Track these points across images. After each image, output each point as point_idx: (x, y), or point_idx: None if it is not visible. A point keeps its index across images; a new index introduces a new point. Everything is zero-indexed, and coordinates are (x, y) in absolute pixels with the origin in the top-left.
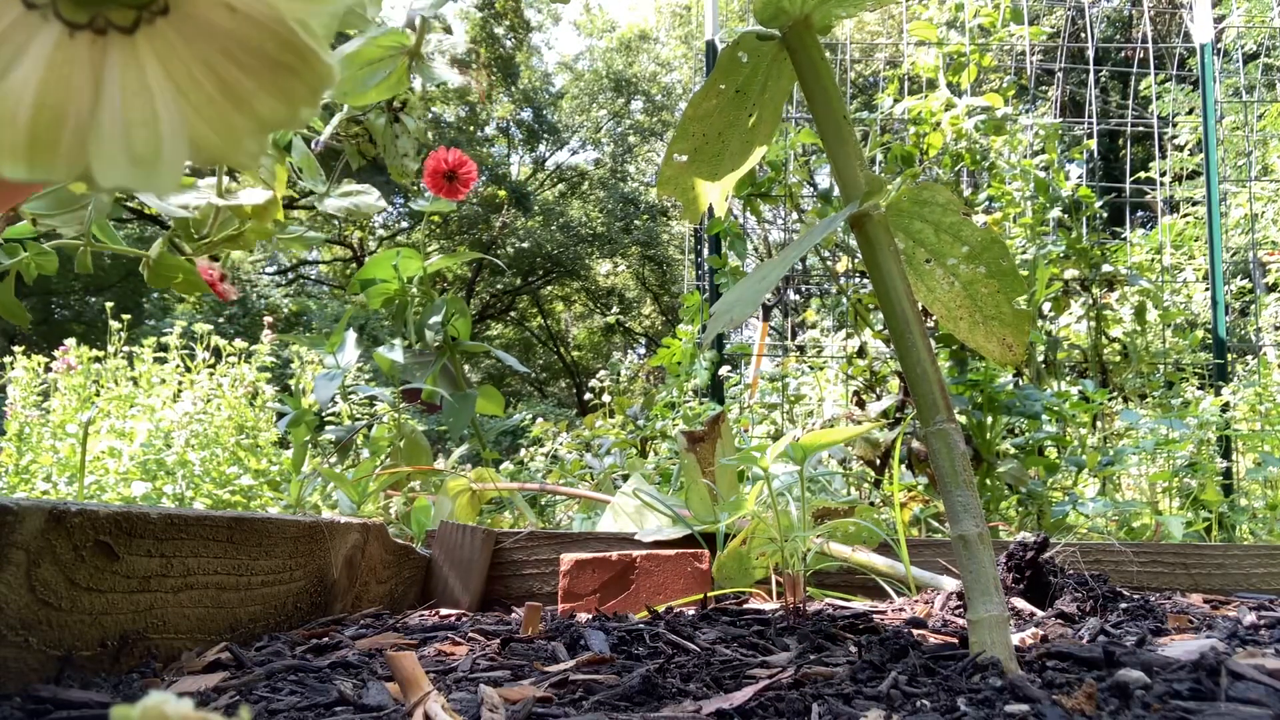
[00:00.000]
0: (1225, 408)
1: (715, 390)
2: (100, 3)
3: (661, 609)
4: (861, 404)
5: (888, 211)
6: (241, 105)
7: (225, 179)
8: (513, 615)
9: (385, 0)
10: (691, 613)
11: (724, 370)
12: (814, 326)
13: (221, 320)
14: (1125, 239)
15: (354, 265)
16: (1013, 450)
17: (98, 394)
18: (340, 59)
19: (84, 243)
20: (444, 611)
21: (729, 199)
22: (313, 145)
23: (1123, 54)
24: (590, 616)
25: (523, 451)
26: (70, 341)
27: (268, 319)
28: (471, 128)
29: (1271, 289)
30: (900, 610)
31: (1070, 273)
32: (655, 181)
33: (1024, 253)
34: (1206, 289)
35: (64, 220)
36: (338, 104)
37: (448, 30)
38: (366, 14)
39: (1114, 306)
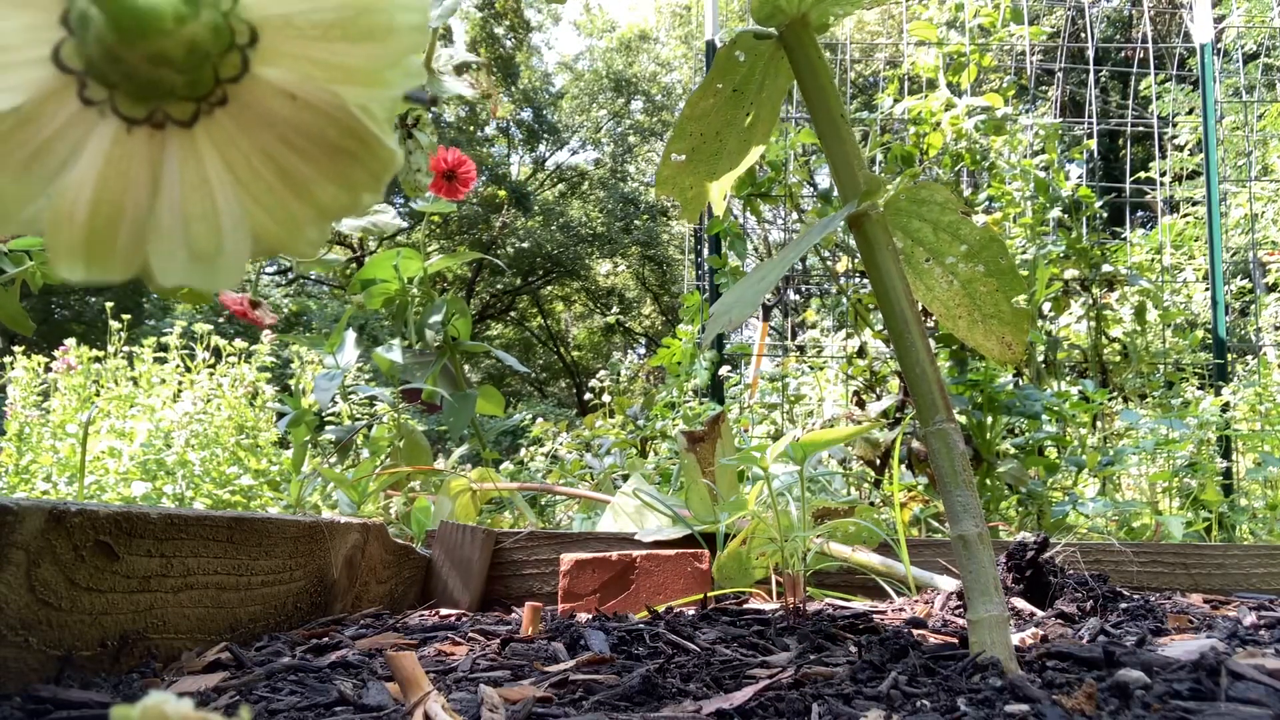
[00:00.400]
0: (1225, 408)
1: (715, 390)
2: (159, 97)
3: (661, 609)
4: (861, 404)
5: (886, 211)
6: (302, 193)
7: None
8: (513, 615)
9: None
10: (691, 613)
11: (724, 370)
12: (814, 326)
13: (221, 320)
14: (1125, 239)
15: (354, 265)
16: (1013, 450)
17: (98, 394)
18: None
19: None
20: (444, 611)
21: (728, 198)
22: None
23: (1123, 54)
24: (590, 616)
25: (523, 451)
26: (70, 341)
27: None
28: (471, 128)
29: (1271, 289)
30: (900, 610)
31: (1070, 273)
32: (654, 181)
33: (1024, 253)
34: (1206, 289)
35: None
36: None
37: (447, 34)
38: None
39: (1114, 306)
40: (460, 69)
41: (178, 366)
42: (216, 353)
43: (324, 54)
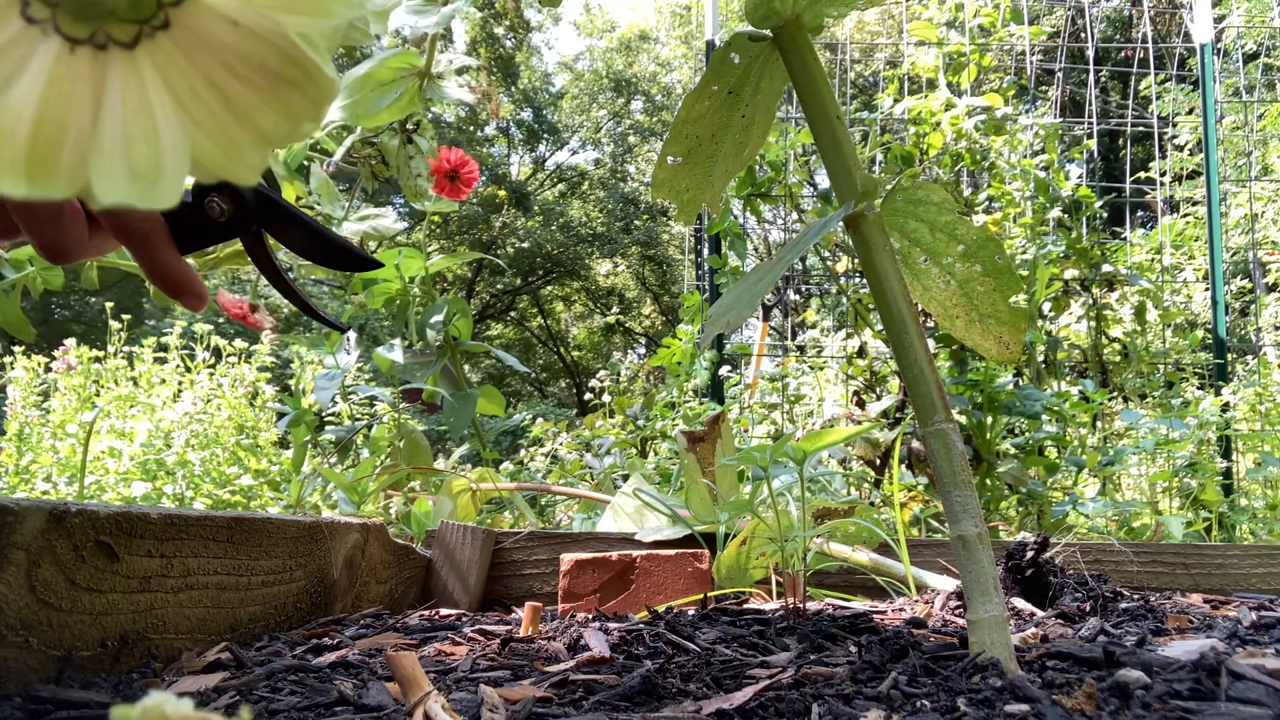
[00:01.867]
0: (1225, 408)
1: (715, 390)
2: (101, 18)
3: (661, 609)
4: (861, 404)
5: (883, 211)
6: (243, 119)
7: None
8: (513, 615)
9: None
10: (691, 613)
11: (724, 370)
12: (814, 326)
13: (221, 320)
14: (1125, 239)
15: None
16: (1013, 450)
17: (98, 394)
18: (352, 81)
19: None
20: (444, 611)
21: (725, 200)
22: (325, 166)
23: (1123, 54)
24: (590, 616)
25: (523, 451)
26: (70, 341)
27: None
28: (471, 128)
29: (1271, 289)
30: (900, 610)
31: (1070, 273)
32: (650, 183)
33: (1024, 253)
34: (1206, 289)
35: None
36: (351, 125)
37: (447, 35)
38: (369, 29)
39: (1114, 306)
40: (460, 71)
41: (178, 366)
42: (216, 353)
43: None
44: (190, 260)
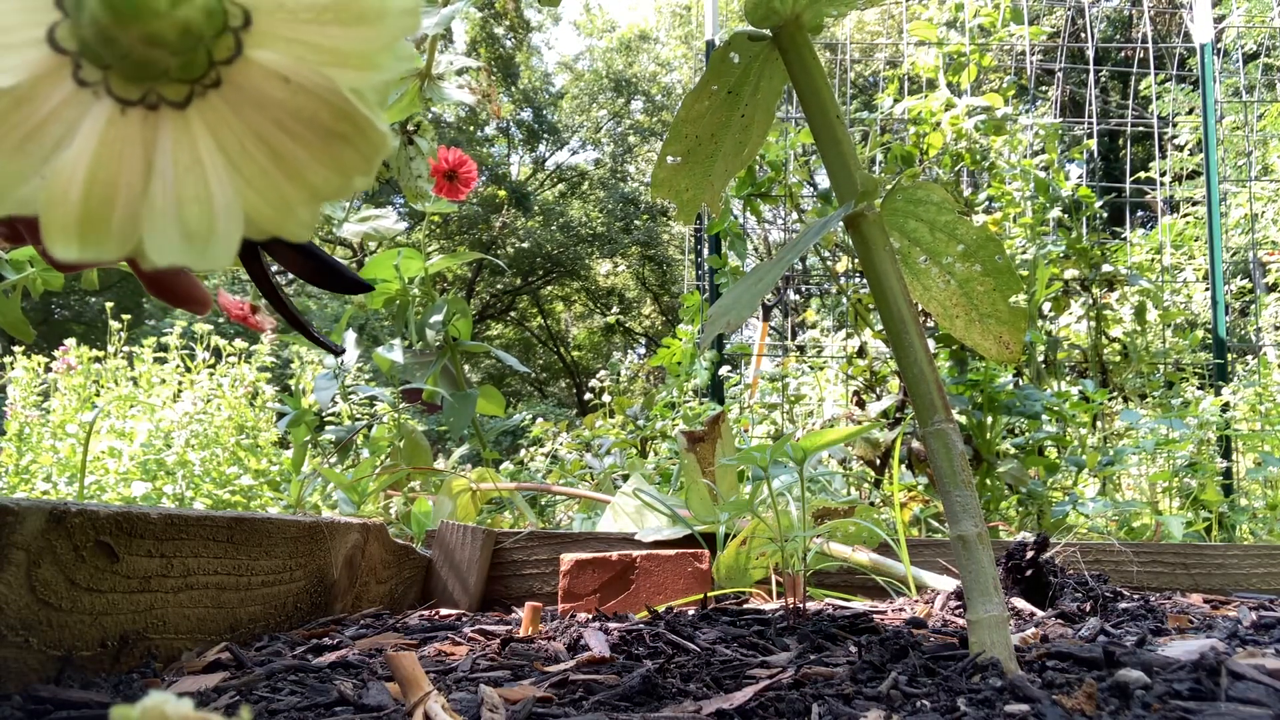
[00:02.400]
0: (1225, 408)
1: (715, 390)
2: (153, 79)
3: (661, 609)
4: (861, 404)
5: (883, 211)
6: (295, 176)
7: None
8: (513, 615)
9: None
10: (691, 613)
11: (724, 370)
12: (814, 326)
13: (221, 320)
14: (1125, 239)
15: (355, 266)
16: (1013, 450)
17: (98, 394)
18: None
19: None
20: (444, 611)
21: (725, 199)
22: None
23: (1123, 54)
24: (590, 616)
25: (523, 451)
26: (70, 341)
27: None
28: (471, 128)
29: (1271, 289)
30: (900, 610)
31: (1070, 273)
32: (650, 183)
33: (1024, 253)
34: (1206, 289)
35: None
36: None
37: (447, 35)
38: None
39: (1114, 306)
40: (460, 72)
41: (178, 366)
42: (216, 353)
43: (317, 37)
44: None
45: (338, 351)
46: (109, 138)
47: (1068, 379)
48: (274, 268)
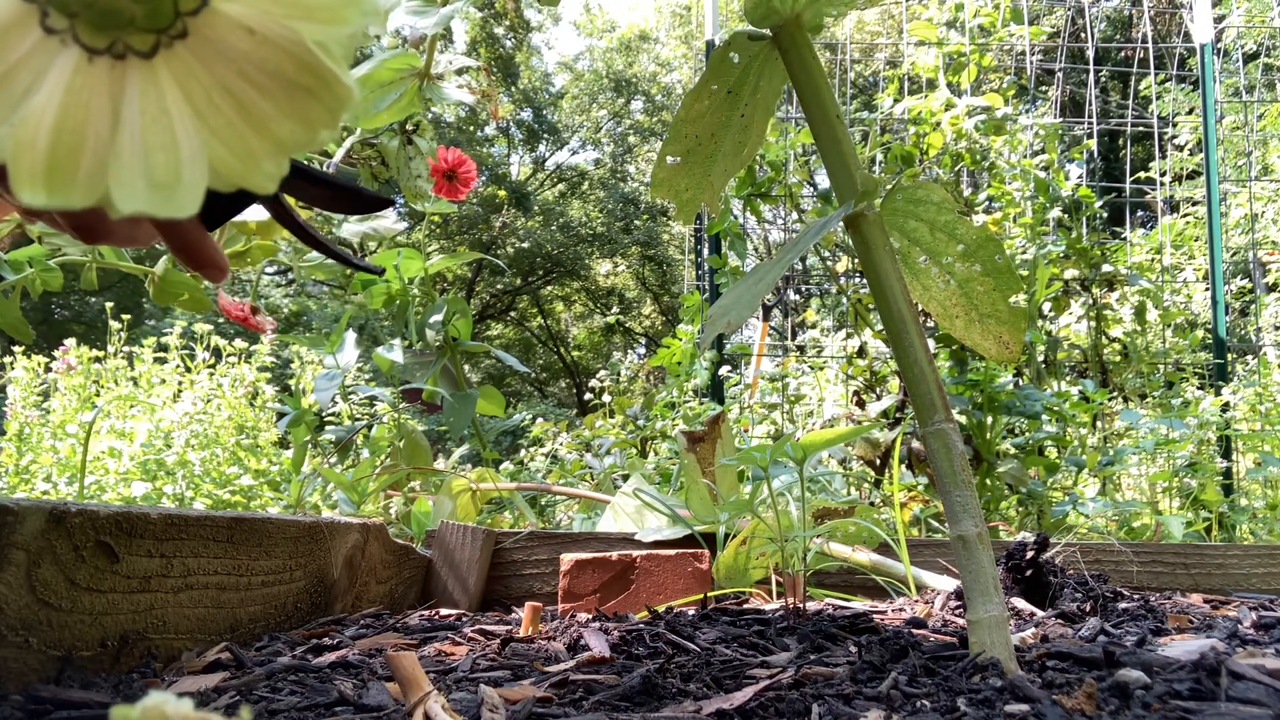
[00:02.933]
0: (1225, 408)
1: (715, 390)
2: (119, 28)
3: (661, 609)
4: (861, 404)
5: (883, 211)
6: (260, 128)
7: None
8: (513, 615)
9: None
10: (691, 613)
11: (724, 370)
12: (814, 326)
13: (221, 320)
14: (1125, 239)
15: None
16: (1013, 450)
17: (98, 394)
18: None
19: (90, 260)
20: (444, 611)
21: (725, 199)
22: (325, 167)
23: (1123, 54)
24: (590, 616)
25: (523, 451)
26: (70, 341)
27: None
28: (471, 128)
29: (1271, 289)
30: (900, 610)
31: (1070, 273)
32: (649, 183)
33: (1024, 253)
34: (1206, 289)
35: (71, 240)
36: (351, 127)
37: (447, 35)
38: (369, 30)
39: (1114, 306)
40: (460, 72)
41: (178, 367)
42: (216, 353)
43: None
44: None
45: (379, 272)
46: (76, 86)
47: (1068, 379)
48: (269, 265)
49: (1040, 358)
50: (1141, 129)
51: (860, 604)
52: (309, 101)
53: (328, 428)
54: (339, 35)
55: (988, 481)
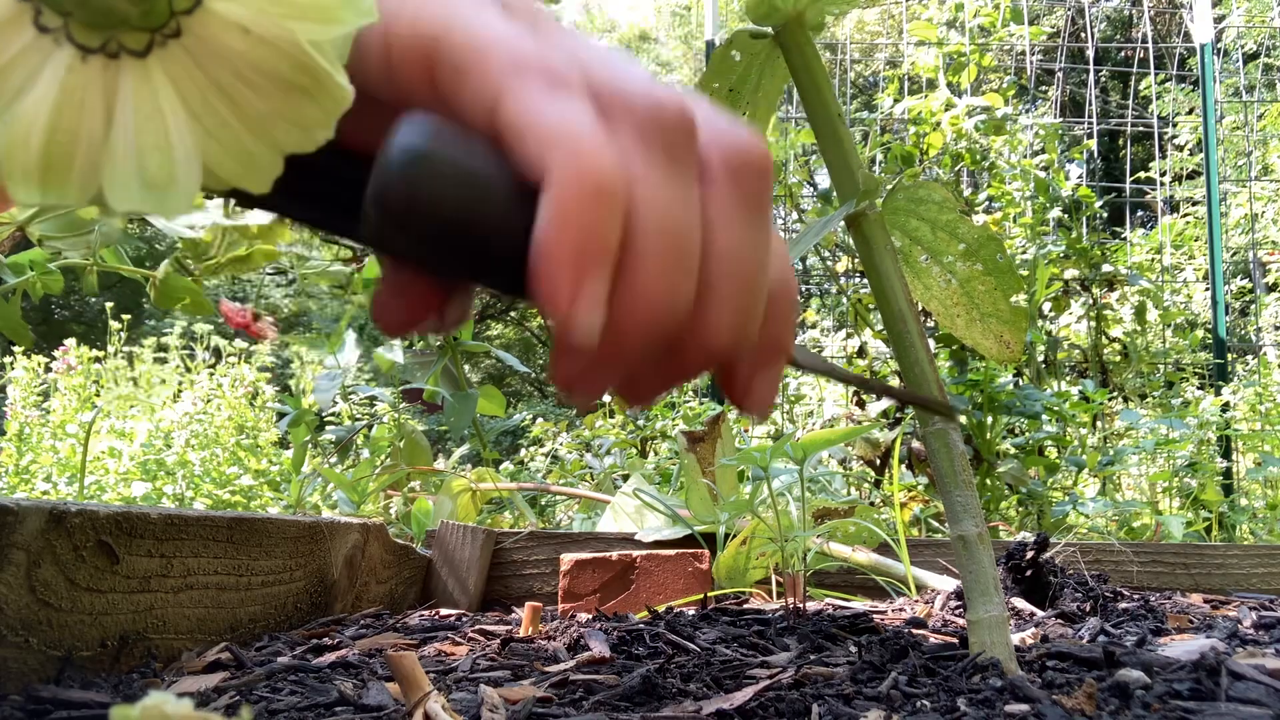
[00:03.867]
0: (1225, 408)
1: (715, 390)
2: (113, 27)
3: (661, 609)
4: (861, 404)
5: (884, 210)
6: (255, 128)
7: (231, 200)
8: (513, 615)
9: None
10: (691, 613)
11: None
12: (814, 326)
13: (221, 320)
14: (1125, 239)
15: (355, 266)
16: (1013, 450)
17: (98, 394)
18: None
19: (90, 264)
20: (444, 611)
21: None
22: None
23: (1123, 54)
24: (590, 616)
25: (523, 451)
26: (70, 342)
27: (268, 319)
28: None
29: (1271, 289)
30: (900, 610)
31: (1070, 273)
32: None
33: (1024, 253)
34: (1206, 289)
35: (72, 244)
36: None
37: None
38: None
39: (1114, 306)
40: None
41: (178, 367)
42: (216, 353)
43: None
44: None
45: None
46: (70, 85)
47: (1068, 379)
48: (269, 265)
49: (1040, 358)
50: (1141, 129)
51: (860, 604)
52: (304, 102)
53: (328, 428)
54: (333, 35)
55: (988, 481)
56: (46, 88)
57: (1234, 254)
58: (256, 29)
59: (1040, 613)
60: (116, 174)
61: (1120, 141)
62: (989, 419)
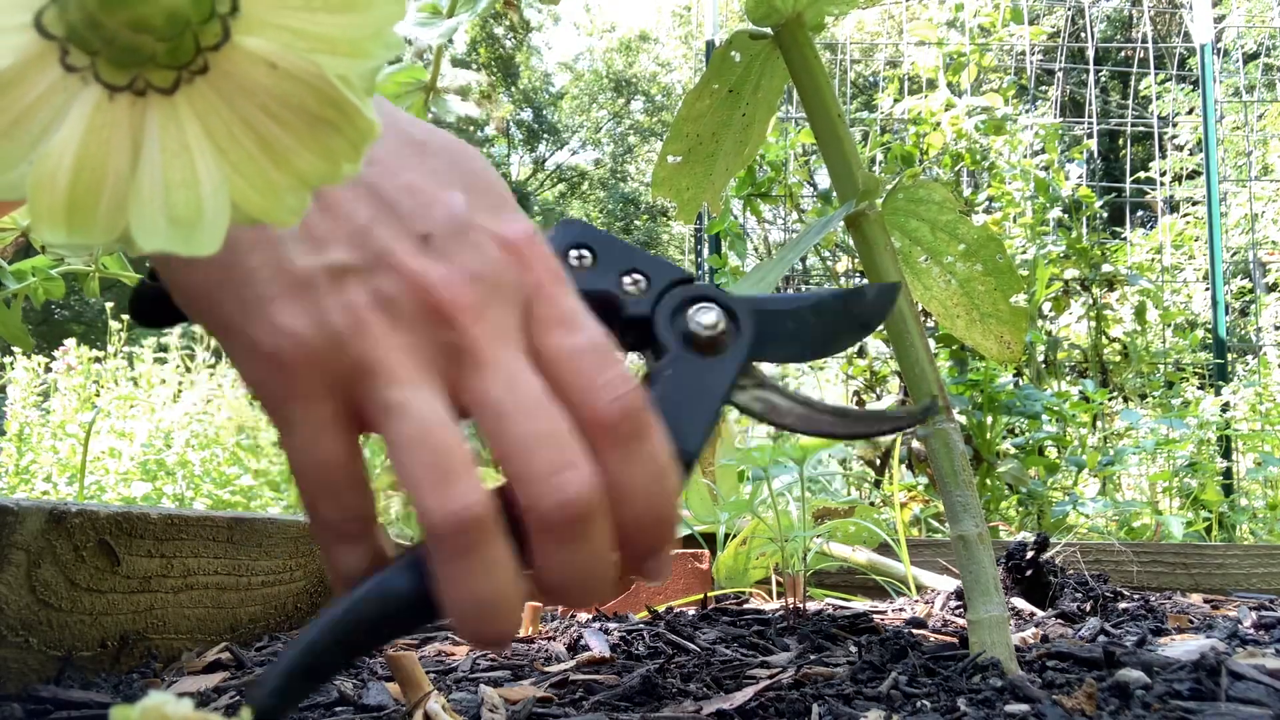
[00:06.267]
0: (1225, 408)
1: None
2: (140, 64)
3: (661, 609)
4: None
5: (884, 210)
6: (282, 162)
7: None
8: None
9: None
10: (691, 613)
11: None
12: None
13: None
14: (1125, 239)
15: None
16: (1013, 450)
17: (98, 394)
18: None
19: (93, 270)
20: None
21: (725, 199)
22: None
23: (1123, 54)
24: (590, 616)
25: None
26: (70, 342)
27: None
28: (471, 128)
29: (1271, 289)
30: (900, 610)
31: (1070, 273)
32: (651, 182)
33: (1024, 253)
34: (1206, 289)
35: (74, 251)
36: None
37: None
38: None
39: (1114, 306)
40: (464, 91)
41: (178, 367)
42: (217, 353)
43: (304, 23)
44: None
45: None
46: (96, 123)
47: (1068, 379)
48: None
49: (1040, 358)
50: (1141, 129)
51: (860, 604)
52: (331, 135)
53: None
54: (361, 69)
55: (988, 481)
56: (73, 127)
57: (1234, 254)
58: (284, 64)
59: (1040, 613)
60: (143, 212)
61: (1120, 141)
62: (989, 419)
